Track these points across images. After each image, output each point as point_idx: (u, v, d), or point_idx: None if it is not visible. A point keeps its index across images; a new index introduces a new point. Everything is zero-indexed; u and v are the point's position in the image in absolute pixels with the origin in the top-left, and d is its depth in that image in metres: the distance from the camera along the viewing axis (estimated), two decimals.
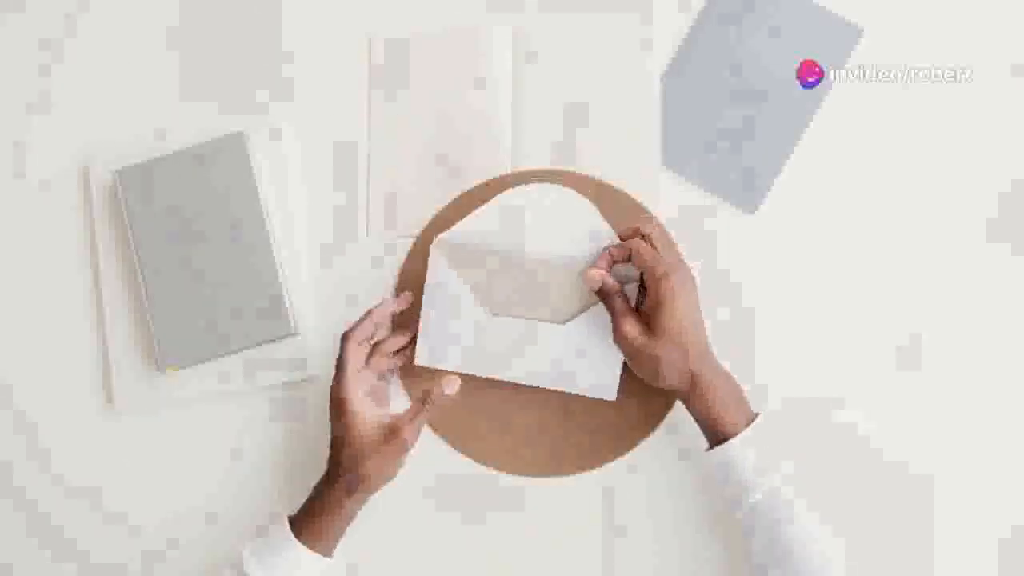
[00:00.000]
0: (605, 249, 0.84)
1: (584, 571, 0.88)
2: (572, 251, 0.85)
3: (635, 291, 0.85)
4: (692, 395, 0.79)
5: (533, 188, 0.89)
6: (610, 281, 0.83)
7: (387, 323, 0.89)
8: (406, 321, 0.90)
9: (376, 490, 0.84)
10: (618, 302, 0.83)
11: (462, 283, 0.88)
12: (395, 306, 0.88)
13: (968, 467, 0.86)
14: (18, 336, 0.95)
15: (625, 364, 0.86)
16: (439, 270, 0.88)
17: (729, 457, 0.78)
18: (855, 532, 0.85)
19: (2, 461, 0.94)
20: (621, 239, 0.85)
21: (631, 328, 0.81)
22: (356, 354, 0.84)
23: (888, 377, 0.88)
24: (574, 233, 0.86)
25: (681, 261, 0.83)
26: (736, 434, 0.77)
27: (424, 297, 0.88)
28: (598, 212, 0.87)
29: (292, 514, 0.84)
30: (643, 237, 0.83)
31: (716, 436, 0.79)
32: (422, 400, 0.83)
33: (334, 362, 0.85)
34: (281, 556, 0.81)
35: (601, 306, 0.85)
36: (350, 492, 0.82)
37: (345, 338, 0.85)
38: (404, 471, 0.89)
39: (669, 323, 0.79)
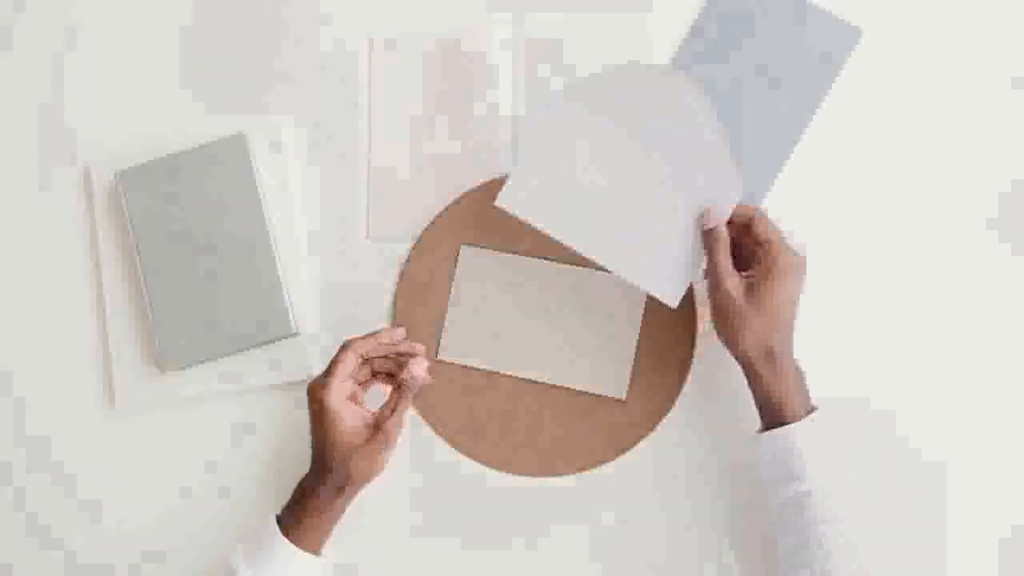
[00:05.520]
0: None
1: (584, 571, 0.88)
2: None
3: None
4: (764, 371, 0.79)
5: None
6: (724, 229, 0.82)
7: (387, 350, 0.87)
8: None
9: (364, 486, 0.84)
10: (724, 253, 0.82)
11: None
12: (401, 339, 0.87)
13: (978, 460, 0.86)
14: (19, 336, 0.95)
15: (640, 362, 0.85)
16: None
17: (784, 442, 0.78)
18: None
19: (2, 461, 0.94)
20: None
21: (734, 285, 0.80)
22: (349, 364, 0.84)
23: (887, 377, 0.88)
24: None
25: (799, 253, 0.83)
26: (796, 420, 0.78)
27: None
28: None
29: (278, 513, 0.84)
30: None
31: (773, 419, 0.80)
32: (398, 391, 0.83)
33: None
34: (272, 557, 0.81)
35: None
36: (339, 491, 0.82)
37: (345, 346, 0.84)
38: (403, 472, 0.90)
39: (773, 294, 0.79)
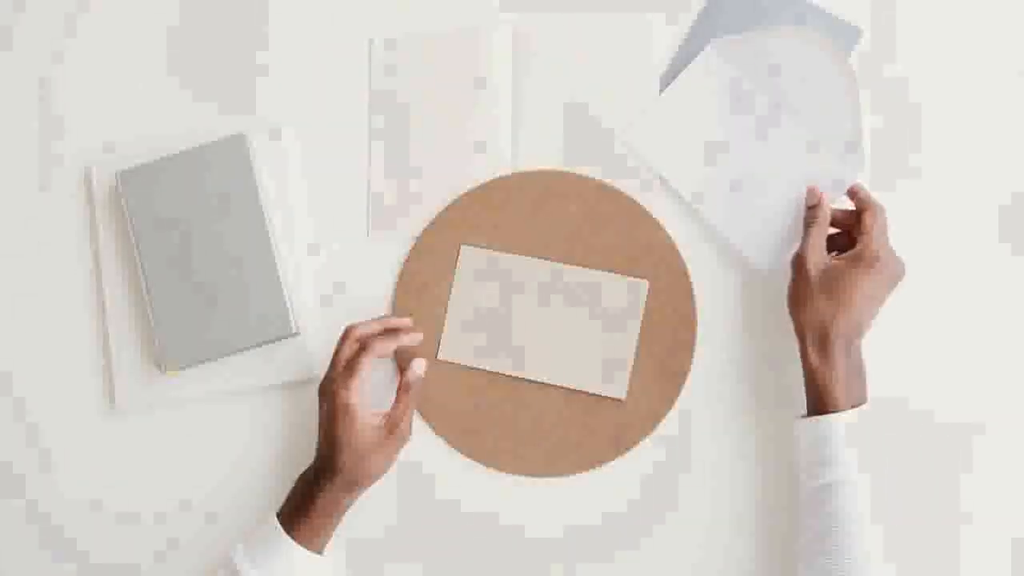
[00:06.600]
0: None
1: (583, 570, 0.88)
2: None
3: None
4: (813, 353, 0.80)
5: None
6: (827, 207, 0.84)
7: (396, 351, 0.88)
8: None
9: (371, 485, 0.84)
10: (820, 229, 0.84)
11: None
12: (415, 342, 0.87)
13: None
14: (20, 336, 0.95)
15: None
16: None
17: (818, 430, 0.79)
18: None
19: (3, 461, 0.94)
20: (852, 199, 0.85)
21: (816, 259, 0.82)
22: (366, 365, 0.84)
23: (887, 377, 0.88)
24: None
25: (899, 259, 0.83)
26: (836, 411, 0.78)
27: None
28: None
29: (278, 511, 0.84)
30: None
31: (816, 405, 0.80)
32: (405, 390, 0.85)
33: (335, 359, 0.84)
34: (276, 557, 0.81)
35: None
36: (350, 491, 0.83)
37: (365, 349, 0.84)
38: (404, 472, 0.89)
39: (848, 282, 0.80)
